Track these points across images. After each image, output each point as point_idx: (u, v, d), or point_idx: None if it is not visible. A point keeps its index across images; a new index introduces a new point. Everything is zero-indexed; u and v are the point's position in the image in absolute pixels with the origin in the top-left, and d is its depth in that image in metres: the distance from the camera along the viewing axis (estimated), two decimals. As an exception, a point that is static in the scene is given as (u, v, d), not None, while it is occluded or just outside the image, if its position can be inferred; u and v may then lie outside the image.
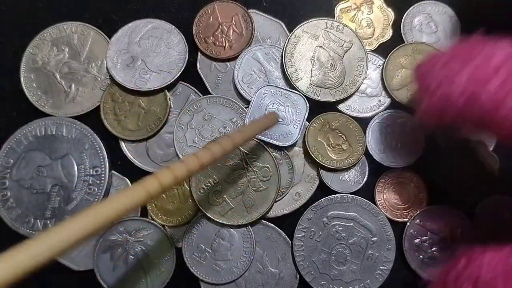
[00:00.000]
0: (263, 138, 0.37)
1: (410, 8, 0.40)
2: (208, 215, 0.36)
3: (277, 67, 0.39)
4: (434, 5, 0.40)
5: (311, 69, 0.38)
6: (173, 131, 0.37)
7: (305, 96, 0.37)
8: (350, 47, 0.38)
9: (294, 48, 0.38)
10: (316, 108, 0.38)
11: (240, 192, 0.36)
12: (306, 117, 0.37)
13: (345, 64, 0.38)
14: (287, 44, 0.38)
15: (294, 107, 0.37)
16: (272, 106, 0.37)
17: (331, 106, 0.38)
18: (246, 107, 0.38)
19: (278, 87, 0.38)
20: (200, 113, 0.38)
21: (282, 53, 0.38)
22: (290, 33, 0.39)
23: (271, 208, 0.36)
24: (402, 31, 0.40)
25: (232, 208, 0.36)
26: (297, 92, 0.37)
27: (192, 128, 0.37)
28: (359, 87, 0.38)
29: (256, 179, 0.36)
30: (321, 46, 0.38)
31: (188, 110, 0.37)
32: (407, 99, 0.38)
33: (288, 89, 0.38)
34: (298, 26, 0.39)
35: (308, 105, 0.37)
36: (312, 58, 0.38)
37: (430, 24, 0.40)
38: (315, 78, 0.38)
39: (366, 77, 0.38)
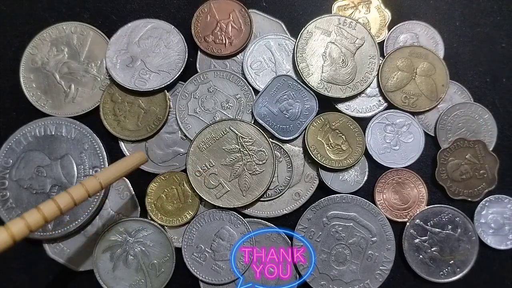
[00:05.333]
0: (265, 125, 0.37)
1: (400, 24, 0.40)
2: (204, 198, 0.36)
3: (288, 59, 0.39)
4: (424, 27, 0.40)
5: (322, 65, 0.38)
6: (177, 99, 0.37)
7: (316, 94, 0.37)
8: (362, 44, 0.38)
9: (306, 44, 0.38)
10: (323, 105, 0.38)
11: (236, 175, 0.36)
12: (311, 119, 0.37)
13: (357, 61, 0.38)
14: (299, 39, 0.38)
15: (303, 105, 0.37)
16: (284, 98, 0.37)
17: (340, 103, 0.38)
18: (251, 87, 0.38)
19: (297, 81, 0.38)
20: (205, 85, 0.38)
21: (294, 48, 0.38)
22: (288, 31, 0.39)
23: (266, 191, 0.36)
24: (385, 44, 0.39)
25: (228, 191, 0.36)
26: (312, 92, 0.37)
27: (196, 98, 0.38)
28: (370, 84, 0.38)
29: (252, 163, 0.36)
30: (333, 42, 0.38)
31: (195, 80, 0.38)
32: (402, 102, 0.38)
33: (305, 86, 0.37)
34: (310, 22, 0.38)
35: (317, 109, 0.37)
36: (324, 54, 0.38)
37: (414, 45, 0.39)
38: (326, 74, 0.38)
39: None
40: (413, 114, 0.38)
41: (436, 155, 0.37)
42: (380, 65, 0.38)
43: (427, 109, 0.38)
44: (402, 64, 0.38)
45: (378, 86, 0.38)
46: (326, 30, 0.38)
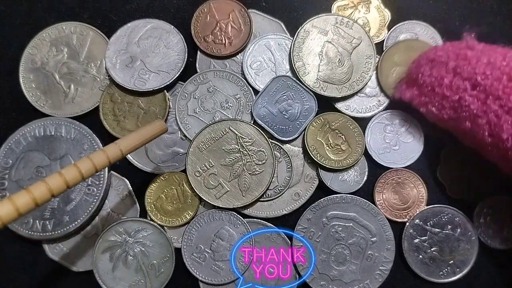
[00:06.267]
0: (264, 126, 0.37)
1: (400, 24, 0.39)
2: (204, 198, 0.36)
3: (288, 59, 0.39)
4: (424, 27, 0.40)
5: (319, 64, 0.38)
6: (177, 99, 0.37)
7: (313, 93, 0.37)
8: (359, 44, 0.38)
9: (303, 43, 0.38)
10: (322, 105, 0.38)
11: (236, 175, 0.36)
12: (311, 119, 0.37)
13: (353, 61, 0.38)
14: (296, 38, 0.38)
15: (302, 106, 0.37)
16: (283, 99, 0.37)
17: (336, 102, 0.38)
18: (251, 87, 0.38)
19: (295, 81, 0.38)
20: (205, 85, 0.38)
21: (291, 47, 0.38)
22: (287, 31, 0.39)
23: (265, 191, 0.36)
24: (384, 43, 0.39)
25: (227, 191, 0.36)
26: (311, 92, 0.37)
27: (195, 98, 0.38)
28: (366, 84, 0.38)
29: (251, 163, 0.36)
30: (329, 42, 0.38)
31: (194, 80, 0.38)
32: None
33: (304, 87, 0.37)
34: (307, 21, 0.38)
35: (317, 109, 0.37)
36: (320, 53, 0.38)
37: (407, 39, 0.39)
38: (322, 73, 0.38)
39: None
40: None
41: (437, 154, 0.37)
42: (377, 64, 0.38)
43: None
44: (399, 59, 0.38)
45: (379, 84, 0.38)
46: (323, 29, 0.38)
